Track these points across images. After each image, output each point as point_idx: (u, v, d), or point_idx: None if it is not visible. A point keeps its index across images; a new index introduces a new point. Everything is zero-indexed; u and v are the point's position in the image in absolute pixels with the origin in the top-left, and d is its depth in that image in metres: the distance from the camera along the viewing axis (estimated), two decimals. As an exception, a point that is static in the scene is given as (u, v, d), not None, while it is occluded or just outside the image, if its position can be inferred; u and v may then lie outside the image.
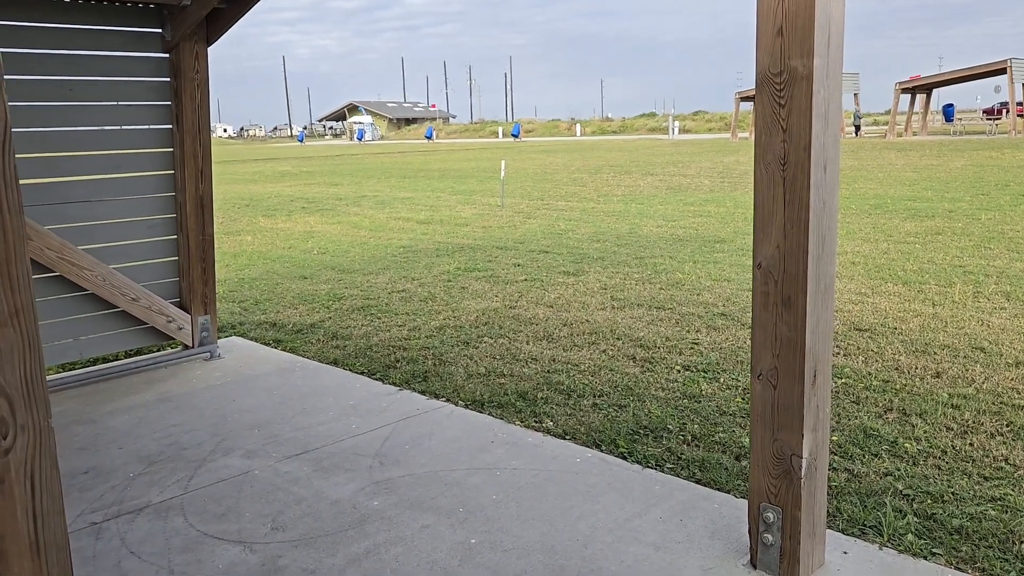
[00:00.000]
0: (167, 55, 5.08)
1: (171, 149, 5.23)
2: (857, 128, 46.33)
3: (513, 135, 69.48)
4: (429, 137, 75.85)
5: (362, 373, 5.04)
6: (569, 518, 3.11)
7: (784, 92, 2.39)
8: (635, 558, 2.81)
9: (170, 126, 5.19)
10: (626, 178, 20.75)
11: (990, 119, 44.15)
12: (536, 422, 4.13)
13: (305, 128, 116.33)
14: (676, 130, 60.87)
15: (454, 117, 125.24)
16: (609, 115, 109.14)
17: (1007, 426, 3.87)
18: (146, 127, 5.14)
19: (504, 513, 3.16)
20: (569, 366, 5.04)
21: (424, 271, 8.53)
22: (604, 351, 5.35)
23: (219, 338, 5.94)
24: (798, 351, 2.50)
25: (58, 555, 1.18)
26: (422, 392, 4.64)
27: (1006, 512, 3.05)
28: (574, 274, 8.07)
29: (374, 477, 3.51)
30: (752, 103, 48.10)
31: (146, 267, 5.28)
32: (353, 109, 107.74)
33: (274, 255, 10.04)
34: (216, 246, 10.70)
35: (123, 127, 5.04)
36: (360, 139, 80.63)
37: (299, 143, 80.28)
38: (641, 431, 3.97)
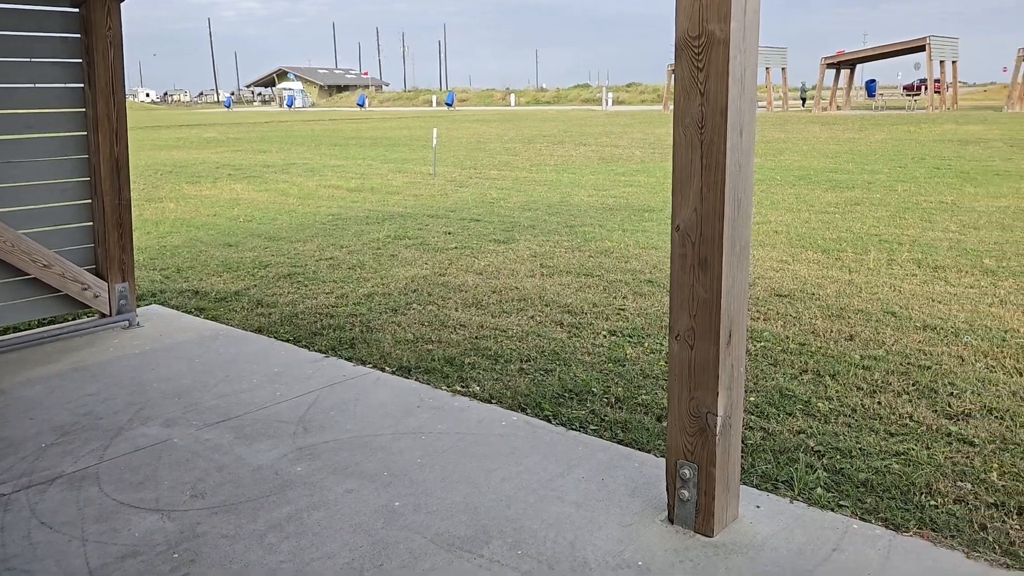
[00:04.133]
0: (76, 9, 4.84)
1: (83, 109, 5.01)
2: (804, 100, 47.75)
3: (447, 104, 68.78)
4: (361, 105, 74.50)
5: (287, 340, 4.97)
6: (493, 480, 3.14)
7: (702, 56, 2.41)
8: (557, 516, 2.86)
9: (82, 85, 4.97)
10: (559, 148, 20.80)
11: (910, 95, 45.71)
12: (463, 387, 4.14)
13: (232, 94, 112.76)
14: (610, 101, 61.19)
15: (387, 85, 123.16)
16: (544, 85, 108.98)
17: (913, 385, 4.05)
18: (57, 86, 4.90)
19: (429, 476, 3.17)
20: (497, 332, 5.07)
21: (353, 239, 8.41)
22: (532, 317, 5.39)
23: (139, 306, 5.76)
24: (714, 312, 2.56)
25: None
26: (349, 359, 4.59)
27: (908, 466, 3.20)
28: (504, 242, 8.08)
29: (298, 443, 3.47)
30: (684, 75, 48.45)
31: (59, 232, 5.07)
32: (282, 75, 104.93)
33: (198, 222, 9.76)
34: (137, 213, 10.34)
35: (32, 85, 4.79)
36: (290, 106, 78.70)
37: (226, 109, 77.87)
38: (566, 394, 4.02)
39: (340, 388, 4.11)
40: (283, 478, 3.17)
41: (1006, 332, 4.87)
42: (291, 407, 3.87)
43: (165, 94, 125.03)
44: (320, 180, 14.32)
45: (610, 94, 63.53)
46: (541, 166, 16.26)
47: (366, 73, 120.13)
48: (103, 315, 5.25)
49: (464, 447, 3.42)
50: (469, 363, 4.49)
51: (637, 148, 20.23)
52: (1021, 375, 4.16)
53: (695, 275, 2.56)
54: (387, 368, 4.45)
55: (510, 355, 4.62)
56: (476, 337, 4.97)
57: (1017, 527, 2.75)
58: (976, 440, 3.42)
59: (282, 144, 24.36)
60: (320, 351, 4.73)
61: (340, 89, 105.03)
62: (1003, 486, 3.02)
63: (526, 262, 7.11)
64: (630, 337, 4.92)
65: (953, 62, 40.45)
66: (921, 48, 38.65)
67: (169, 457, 3.36)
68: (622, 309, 5.54)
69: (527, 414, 3.79)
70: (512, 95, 78.47)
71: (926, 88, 42.11)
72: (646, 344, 4.79)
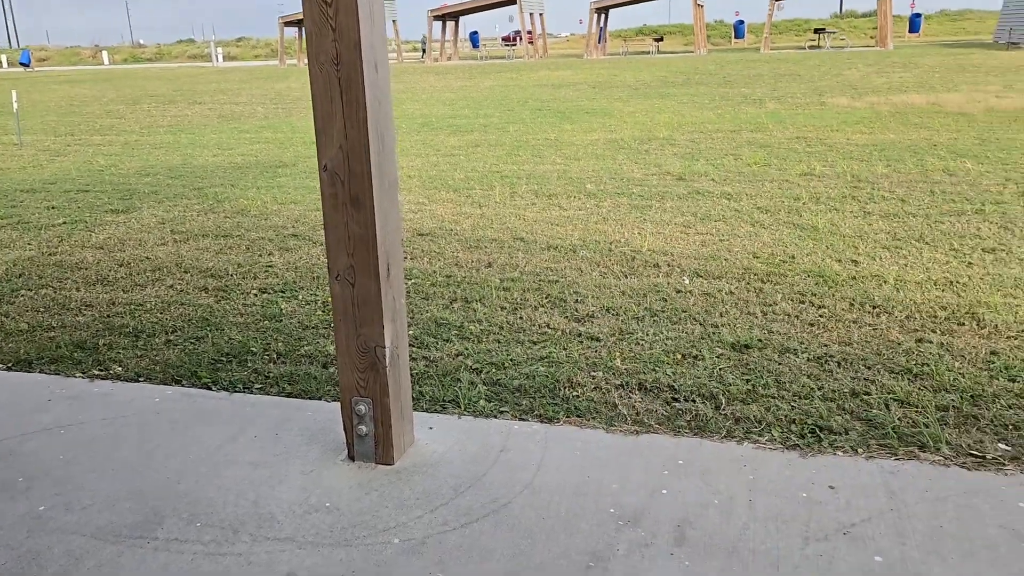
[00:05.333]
0: None
1: None
2: (424, 51, 49.12)
3: (23, 64, 59.21)
4: (-97, 67, 61.01)
5: None
6: (156, 459, 2.89)
7: (327, -11, 2.38)
8: (234, 480, 2.74)
9: None
10: (171, 108, 19.16)
11: (507, 45, 49.65)
12: (102, 370, 3.72)
13: None
14: (220, 57, 57.60)
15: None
16: (141, 41, 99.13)
17: (546, 299, 4.53)
18: None
19: (77, 472, 2.82)
20: (133, 307, 4.61)
21: (-76, 225, 6.98)
22: (171, 286, 4.98)
23: None
24: (371, 248, 2.60)
25: None
26: (-54, 362, 3.86)
27: (552, 367, 3.60)
28: (124, 211, 7.31)
29: None
30: (296, 29, 47.50)
31: None
32: None
33: None
34: None
35: None
36: None
37: None
38: (223, 359, 3.82)
39: (-60, 396, 3.45)
40: None
41: (611, 244, 5.64)
42: None
43: None
44: None
45: (219, 49, 59.74)
46: (153, 128, 14.88)
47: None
48: None
49: (115, 432, 3.10)
50: (105, 344, 4.04)
51: (258, 104, 19.41)
52: (627, 277, 4.87)
53: (348, 213, 2.57)
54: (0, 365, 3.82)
55: (153, 329, 4.24)
56: (108, 316, 4.47)
57: (640, 400, 3.25)
58: (600, 336, 3.94)
59: None
60: (-97, 359, 3.90)
61: None
62: (626, 369, 3.54)
63: (154, 230, 6.52)
64: (282, 292, 4.80)
65: (541, 15, 44.73)
66: (513, 1, 42.10)
67: None
68: (270, 266, 5.37)
69: (183, 385, 3.54)
70: (104, 52, 70.01)
71: (521, 39, 46.14)
72: (300, 297, 4.71)
